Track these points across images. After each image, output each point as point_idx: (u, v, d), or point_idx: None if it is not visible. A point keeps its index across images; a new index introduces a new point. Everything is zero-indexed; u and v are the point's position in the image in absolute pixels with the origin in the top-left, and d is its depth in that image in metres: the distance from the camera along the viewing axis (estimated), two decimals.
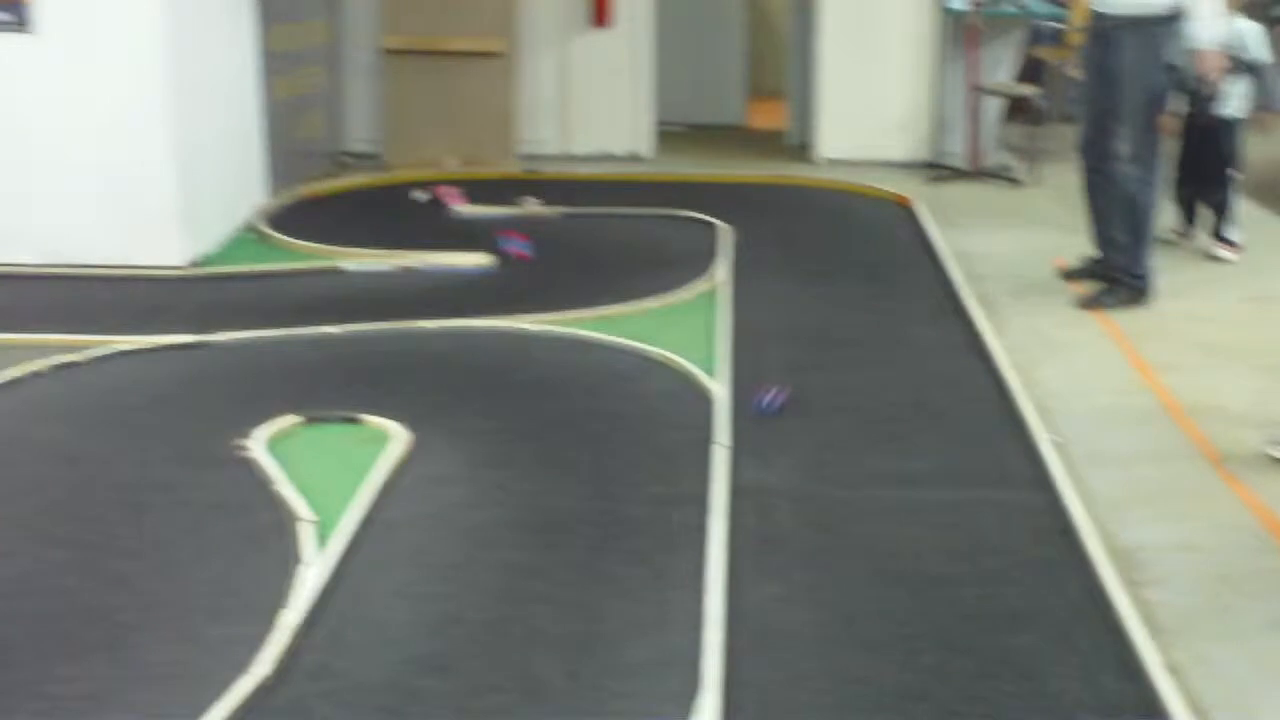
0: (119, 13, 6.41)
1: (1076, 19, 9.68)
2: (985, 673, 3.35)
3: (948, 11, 9.20)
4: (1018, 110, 9.70)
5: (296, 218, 7.78)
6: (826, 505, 4.27)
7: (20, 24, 6.37)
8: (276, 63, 7.96)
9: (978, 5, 9.02)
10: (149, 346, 5.60)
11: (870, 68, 9.34)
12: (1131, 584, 3.75)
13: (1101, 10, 6.32)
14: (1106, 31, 6.28)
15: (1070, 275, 6.78)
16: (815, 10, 9.37)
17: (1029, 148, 9.01)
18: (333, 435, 4.73)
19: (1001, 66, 9.45)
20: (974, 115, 9.09)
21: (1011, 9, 9.32)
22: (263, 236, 7.39)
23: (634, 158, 9.52)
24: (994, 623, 3.57)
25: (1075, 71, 7.70)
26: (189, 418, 4.93)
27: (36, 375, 5.25)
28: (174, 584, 3.73)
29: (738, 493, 4.26)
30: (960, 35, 9.12)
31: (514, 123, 9.04)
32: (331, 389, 5.20)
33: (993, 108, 9.37)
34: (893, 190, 8.52)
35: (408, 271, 6.75)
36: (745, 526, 4.06)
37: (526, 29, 9.19)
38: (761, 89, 11.37)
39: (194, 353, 5.59)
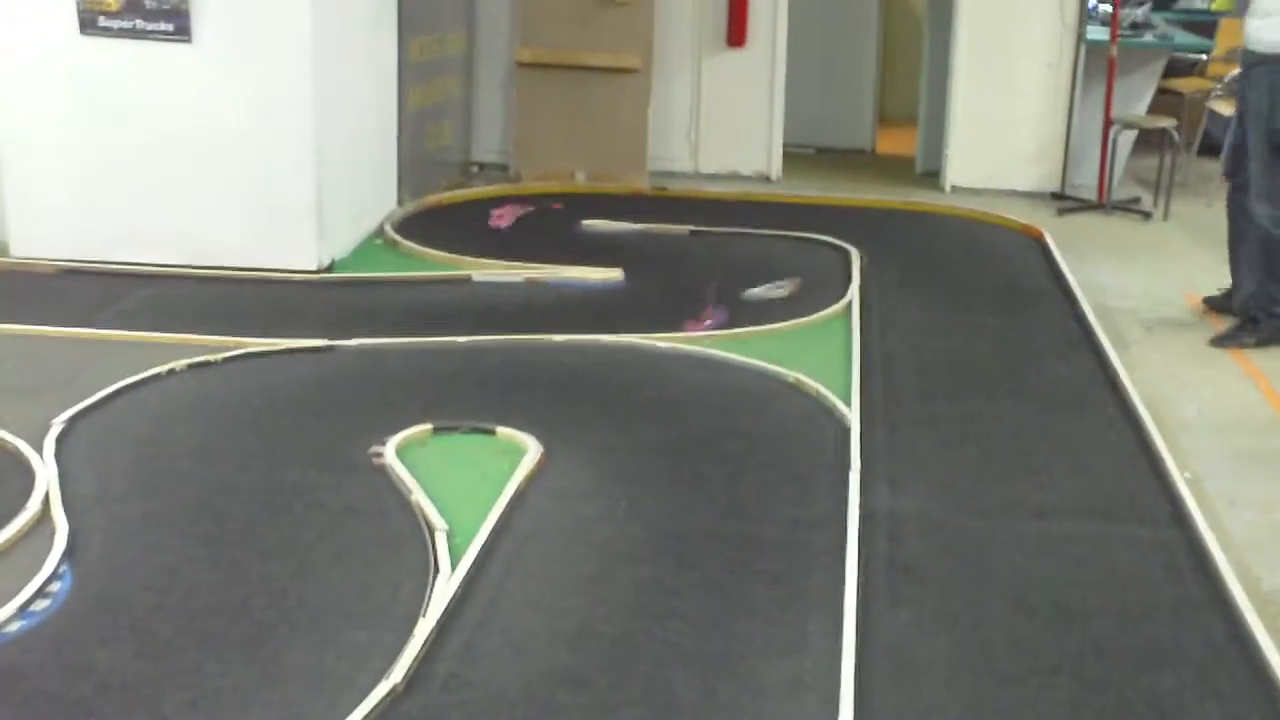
0: (270, 23, 6.54)
1: (1219, 50, 9.59)
2: (1125, 711, 3.31)
3: (1086, 42, 9.10)
4: (1150, 142, 9.57)
5: (425, 226, 7.85)
6: (959, 533, 4.23)
7: (181, 34, 6.54)
8: (413, 73, 8.06)
9: (1118, 36, 8.91)
10: (280, 349, 5.68)
11: (1004, 97, 9.25)
12: (1277, 631, 3.68)
13: (1246, 46, 6.29)
14: (1247, 67, 6.26)
15: (1211, 304, 6.69)
16: (951, 38, 9.29)
17: (1160, 180, 8.88)
18: (464, 445, 4.77)
19: (1138, 98, 9.33)
20: (1107, 147, 8.98)
21: (1153, 40, 9.20)
22: (392, 243, 7.46)
23: (762, 178, 9.51)
24: (1133, 660, 3.52)
25: (1217, 104, 7.57)
26: (320, 421, 4.99)
27: (172, 373, 5.34)
28: (311, 586, 3.77)
29: (871, 518, 4.24)
30: (1098, 66, 9.01)
31: (645, 139, 9.06)
32: (460, 399, 5.23)
33: (1125, 139, 9.25)
34: (1022, 220, 8.43)
35: (535, 284, 6.78)
36: (879, 552, 4.04)
37: (662, 47, 9.21)
38: (891, 114, 11.32)
39: (323, 357, 5.66)
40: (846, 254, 7.41)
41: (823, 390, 5.28)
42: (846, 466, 4.58)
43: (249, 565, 3.87)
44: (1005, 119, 9.29)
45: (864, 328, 6.13)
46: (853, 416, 5.02)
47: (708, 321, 6.23)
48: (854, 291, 6.64)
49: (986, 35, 9.18)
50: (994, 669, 3.48)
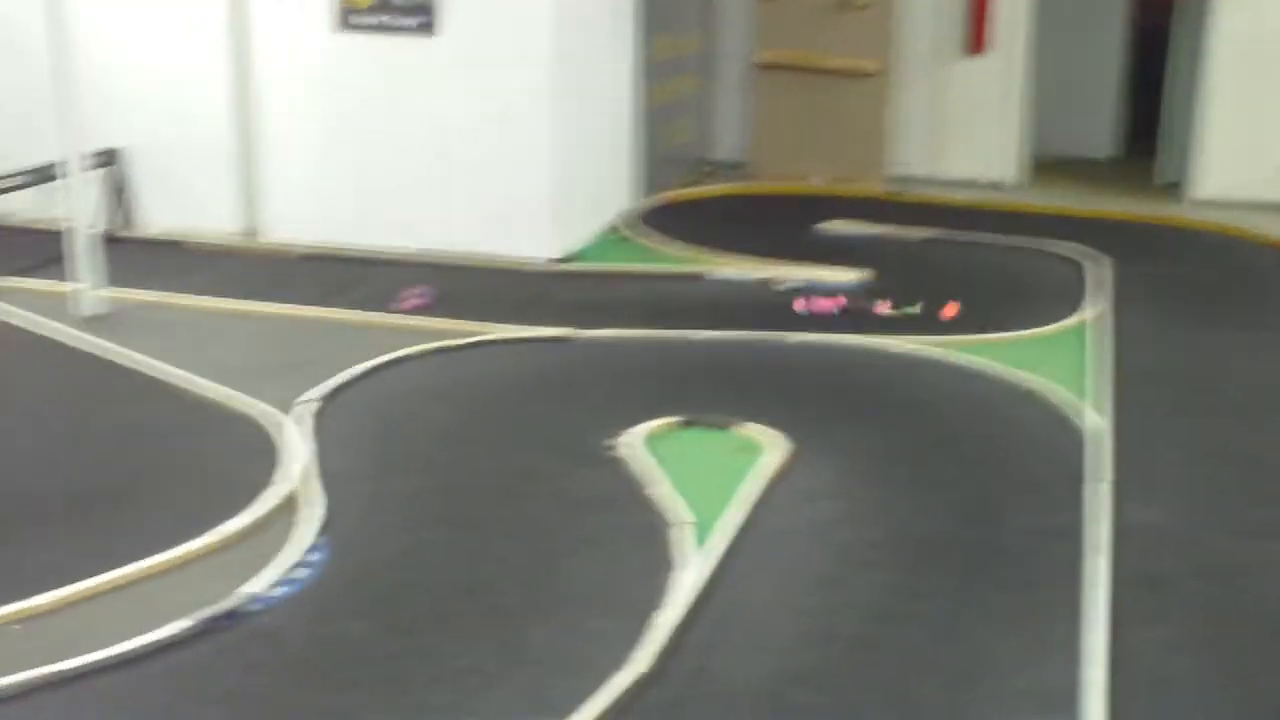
0: (512, 17, 6.66)
1: None
2: None
3: None
4: None
5: (660, 221, 7.88)
6: (1215, 552, 4.07)
7: (426, 29, 6.67)
8: (653, 70, 8.09)
9: None
10: (519, 338, 5.73)
11: (1264, 105, 8.91)
12: None
13: None
14: None
15: None
16: (1205, 45, 9.00)
17: None
18: (704, 440, 4.75)
19: None
20: None
21: None
22: (627, 237, 7.50)
23: (1001, 185, 9.34)
24: None
25: None
26: (558, 410, 5.03)
27: (415, 358, 5.43)
28: (552, 572, 3.78)
29: (1120, 531, 4.10)
30: None
31: (884, 143, 8.98)
32: (696, 393, 5.22)
33: None
34: (1277, 235, 8.12)
35: (769, 283, 6.72)
36: (1127, 566, 3.91)
37: (901, 51, 9.11)
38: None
39: (561, 347, 5.70)
40: (1086, 265, 7.23)
41: (1063, 400, 5.15)
42: (1088, 477, 4.45)
43: (490, 548, 3.91)
44: (1260, 128, 8.95)
45: (1106, 339, 5.96)
46: (1103, 426, 4.88)
47: (412, 303, 6.22)
48: (1096, 303, 6.47)
49: (1243, 39, 8.85)
50: (1253, 695, 3.33)
